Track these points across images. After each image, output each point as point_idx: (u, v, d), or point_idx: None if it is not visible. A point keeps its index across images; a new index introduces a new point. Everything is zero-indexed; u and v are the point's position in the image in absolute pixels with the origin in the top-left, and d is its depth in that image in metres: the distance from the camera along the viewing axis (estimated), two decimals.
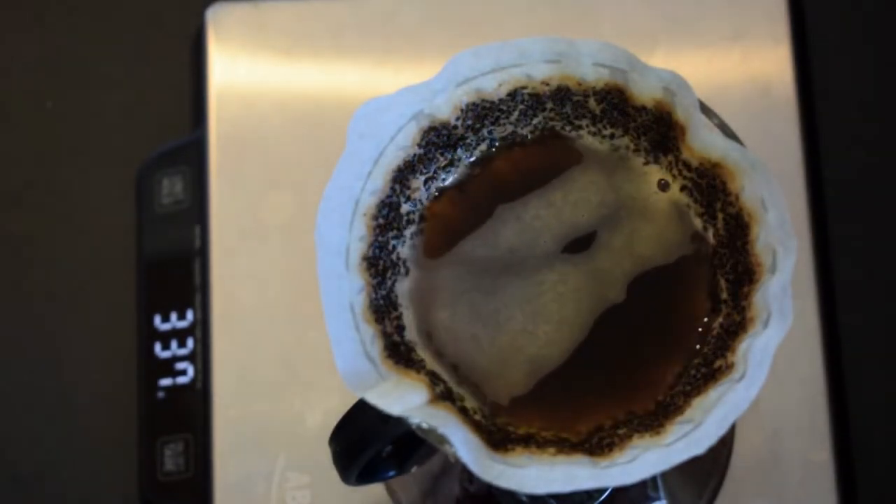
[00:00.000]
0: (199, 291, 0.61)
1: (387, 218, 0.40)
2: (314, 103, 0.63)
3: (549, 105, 0.42)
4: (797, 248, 0.37)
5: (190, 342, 0.60)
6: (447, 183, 0.42)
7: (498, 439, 0.38)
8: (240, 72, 0.63)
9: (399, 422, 0.36)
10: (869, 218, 0.63)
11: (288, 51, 0.64)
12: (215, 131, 0.63)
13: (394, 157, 0.41)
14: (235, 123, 0.63)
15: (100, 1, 0.70)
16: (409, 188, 0.41)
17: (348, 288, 0.39)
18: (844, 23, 0.67)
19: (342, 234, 0.39)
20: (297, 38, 0.64)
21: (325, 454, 0.40)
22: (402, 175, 0.41)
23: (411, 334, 0.40)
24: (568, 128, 0.42)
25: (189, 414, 0.60)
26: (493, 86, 0.41)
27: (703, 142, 0.40)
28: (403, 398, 0.37)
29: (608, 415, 0.38)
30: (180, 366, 0.60)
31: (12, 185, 0.67)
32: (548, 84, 0.41)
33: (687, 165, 0.40)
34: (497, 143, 0.42)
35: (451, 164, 0.42)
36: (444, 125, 0.41)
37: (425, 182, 0.41)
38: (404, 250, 0.41)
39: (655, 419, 0.38)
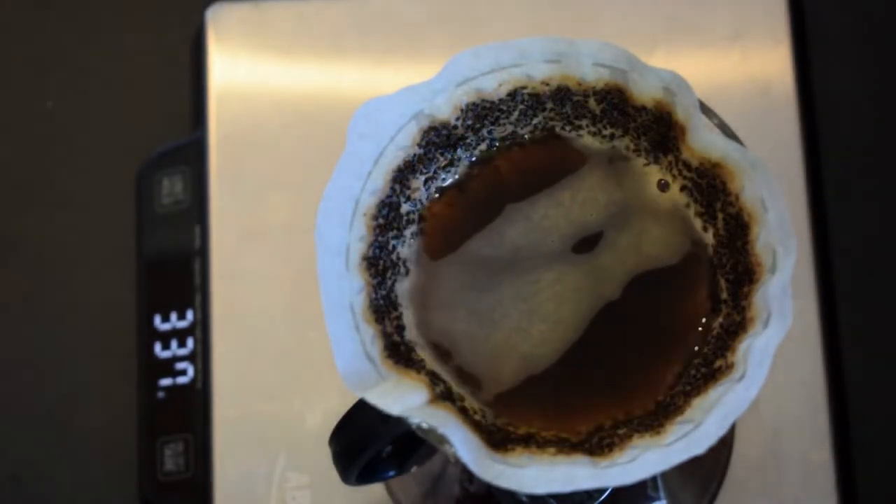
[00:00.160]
0: (199, 291, 0.61)
1: (387, 218, 0.40)
2: (314, 103, 0.63)
3: (549, 105, 0.42)
4: (797, 248, 0.37)
5: (190, 342, 0.61)
6: (447, 183, 0.42)
7: (498, 439, 0.38)
8: (240, 72, 0.63)
9: (399, 422, 0.36)
10: (869, 218, 0.63)
11: (288, 51, 0.64)
12: (215, 131, 0.63)
13: (394, 157, 0.41)
14: (235, 123, 0.63)
15: (100, 1, 0.70)
16: (409, 188, 0.41)
17: (348, 288, 0.39)
18: (844, 23, 0.67)
19: (342, 234, 0.39)
20: (297, 38, 0.64)
21: (325, 454, 0.40)
22: (402, 175, 0.41)
23: (411, 334, 0.40)
24: (568, 128, 0.42)
25: (189, 414, 0.60)
26: (493, 86, 0.41)
27: (704, 142, 0.40)
28: (403, 398, 0.37)
29: (608, 415, 0.38)
30: (180, 366, 0.60)
31: (12, 185, 0.67)
32: (548, 84, 0.41)
33: (687, 165, 0.40)
34: (497, 143, 0.42)
35: (451, 164, 0.42)
36: (444, 125, 0.41)
37: (425, 182, 0.41)
38: (404, 250, 0.41)
39: (655, 419, 0.38)
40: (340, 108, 0.57)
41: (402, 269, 0.40)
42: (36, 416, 0.63)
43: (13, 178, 0.67)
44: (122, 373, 0.62)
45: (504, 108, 0.42)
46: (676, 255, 0.40)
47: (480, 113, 0.41)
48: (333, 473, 0.40)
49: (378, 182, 0.40)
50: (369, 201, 0.40)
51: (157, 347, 0.61)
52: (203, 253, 0.61)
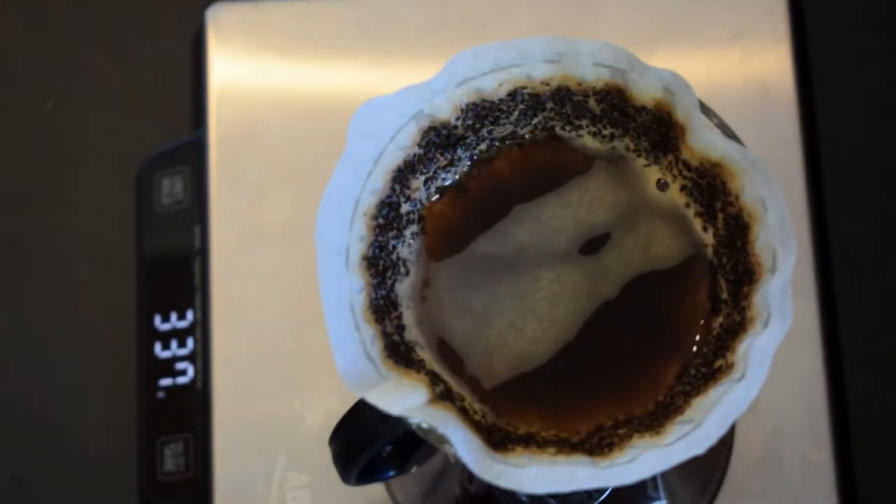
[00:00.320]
0: (199, 291, 0.61)
1: (387, 218, 0.40)
2: (314, 103, 0.63)
3: (549, 105, 0.42)
4: (797, 248, 0.37)
5: (190, 342, 0.61)
6: (447, 183, 0.42)
7: (498, 439, 0.38)
8: (240, 72, 0.63)
9: (399, 422, 0.36)
10: (869, 218, 0.63)
11: (288, 51, 0.64)
12: (215, 131, 0.63)
13: (394, 157, 0.41)
14: (235, 123, 0.63)
15: (100, 1, 0.70)
16: (409, 188, 0.41)
17: (348, 288, 0.39)
18: (844, 23, 0.67)
19: (342, 234, 0.39)
20: (297, 38, 0.64)
21: (325, 454, 0.40)
22: (402, 175, 0.41)
23: (411, 334, 0.40)
24: (568, 128, 0.42)
25: (189, 414, 0.60)
26: (493, 86, 0.41)
27: (704, 142, 0.40)
28: (403, 398, 0.37)
29: (608, 415, 0.38)
30: (180, 366, 0.60)
31: (12, 185, 0.67)
32: (548, 84, 0.41)
33: (687, 165, 0.40)
34: (497, 143, 0.42)
35: (451, 164, 0.42)
36: (444, 125, 0.41)
37: (425, 182, 0.41)
38: (404, 250, 0.41)
39: (655, 419, 0.38)
40: (340, 108, 0.57)
41: (402, 269, 0.40)
42: (36, 416, 0.63)
43: (13, 178, 0.67)
44: (122, 373, 0.62)
45: (504, 108, 0.42)
46: (679, 255, 0.40)
47: (480, 113, 0.41)
48: (333, 473, 0.40)
49: (378, 182, 0.40)
50: (369, 201, 0.40)
51: (157, 347, 0.61)
52: (203, 253, 0.61)
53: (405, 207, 0.41)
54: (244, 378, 0.59)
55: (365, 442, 0.38)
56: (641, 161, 0.41)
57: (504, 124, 0.42)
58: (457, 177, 0.42)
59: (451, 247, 0.41)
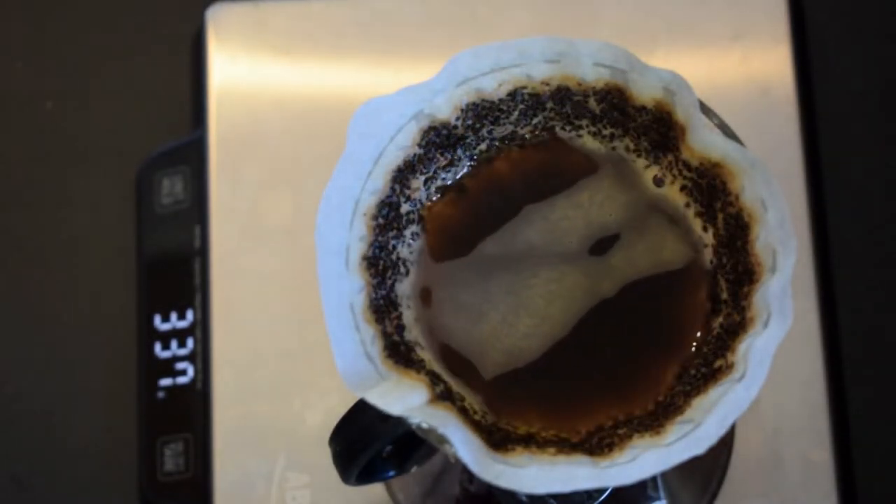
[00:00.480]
0: (199, 291, 0.61)
1: (387, 218, 0.40)
2: (314, 103, 0.63)
3: (550, 105, 0.42)
4: (797, 248, 0.37)
5: (190, 342, 0.61)
6: (447, 183, 0.42)
7: (498, 439, 0.38)
8: (240, 72, 0.63)
9: (399, 422, 0.36)
10: (869, 218, 0.63)
11: (288, 51, 0.64)
12: (215, 131, 0.63)
13: (394, 157, 0.41)
14: (235, 123, 0.63)
15: (100, 1, 0.70)
16: (409, 188, 0.41)
17: (348, 288, 0.39)
18: (844, 23, 0.67)
19: (342, 234, 0.39)
20: (297, 38, 0.64)
21: (325, 454, 0.40)
22: (402, 175, 0.41)
23: (411, 334, 0.40)
24: (568, 128, 0.42)
25: (189, 414, 0.60)
26: (493, 86, 0.41)
27: (704, 142, 0.40)
28: (403, 398, 0.37)
29: (608, 415, 0.38)
30: (180, 366, 0.60)
31: (12, 185, 0.67)
32: (548, 84, 0.41)
33: (687, 165, 0.40)
34: (497, 143, 0.42)
35: (451, 164, 0.42)
36: (444, 125, 0.41)
37: (425, 182, 0.41)
38: (404, 250, 0.41)
39: (655, 419, 0.38)
40: (340, 108, 0.57)
41: (402, 269, 0.40)
42: (36, 416, 0.63)
43: (13, 178, 0.67)
44: (122, 373, 0.62)
45: (504, 107, 0.42)
46: (683, 257, 0.40)
47: (480, 113, 0.41)
48: (333, 473, 0.40)
49: (378, 182, 0.40)
50: (369, 201, 0.40)
51: (157, 347, 0.61)
52: (203, 253, 0.61)
53: (405, 207, 0.41)
54: (244, 378, 0.59)
55: (365, 442, 0.38)
56: (642, 161, 0.41)
57: (504, 124, 0.42)
58: (457, 177, 0.42)
59: (452, 247, 0.41)
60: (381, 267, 0.40)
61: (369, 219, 0.40)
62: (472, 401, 0.39)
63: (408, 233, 0.41)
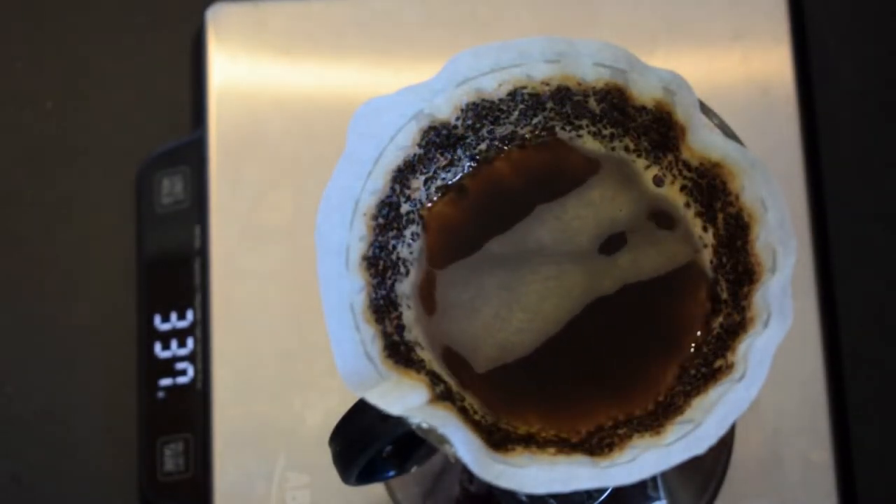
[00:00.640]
0: (199, 291, 0.61)
1: (387, 218, 0.40)
2: (314, 103, 0.63)
3: (550, 105, 0.42)
4: (797, 248, 0.37)
5: (190, 342, 0.61)
6: (447, 183, 0.42)
7: (498, 439, 0.38)
8: (240, 72, 0.63)
9: (399, 422, 0.36)
10: (869, 218, 0.63)
11: (288, 51, 0.64)
12: (215, 131, 0.63)
13: (394, 157, 0.41)
14: (235, 123, 0.63)
15: (100, 1, 0.70)
16: (409, 188, 0.41)
17: (348, 288, 0.39)
18: (844, 23, 0.67)
19: (342, 234, 0.39)
20: (297, 38, 0.64)
21: (325, 454, 0.40)
22: (402, 175, 0.41)
23: (411, 334, 0.40)
24: (568, 128, 0.42)
25: (189, 414, 0.60)
26: (493, 86, 0.41)
27: (704, 142, 0.40)
28: (403, 398, 0.37)
29: (608, 415, 0.38)
30: (180, 366, 0.60)
31: (12, 185, 0.67)
32: (548, 84, 0.41)
33: (687, 165, 0.40)
34: (497, 143, 0.42)
35: (451, 164, 0.42)
36: (444, 125, 0.41)
37: (425, 182, 0.41)
38: (404, 250, 0.41)
39: (655, 419, 0.38)
40: (340, 108, 0.57)
41: (402, 269, 0.40)
42: (36, 416, 0.63)
43: (13, 179, 0.67)
44: (122, 373, 0.62)
45: (504, 107, 0.42)
46: (681, 256, 0.40)
47: (480, 113, 0.41)
48: (333, 473, 0.40)
49: (378, 182, 0.40)
50: (369, 201, 0.40)
51: (157, 347, 0.61)
52: (203, 253, 0.61)
53: (405, 207, 0.41)
54: (244, 378, 0.59)
55: (365, 442, 0.38)
56: (642, 161, 0.41)
57: (504, 124, 0.42)
58: (457, 177, 0.42)
59: (452, 246, 0.41)
60: (381, 267, 0.40)
61: (369, 219, 0.40)
62: (472, 401, 0.39)
63: (408, 233, 0.41)
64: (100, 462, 0.62)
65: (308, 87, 0.63)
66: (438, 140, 0.41)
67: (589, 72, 0.41)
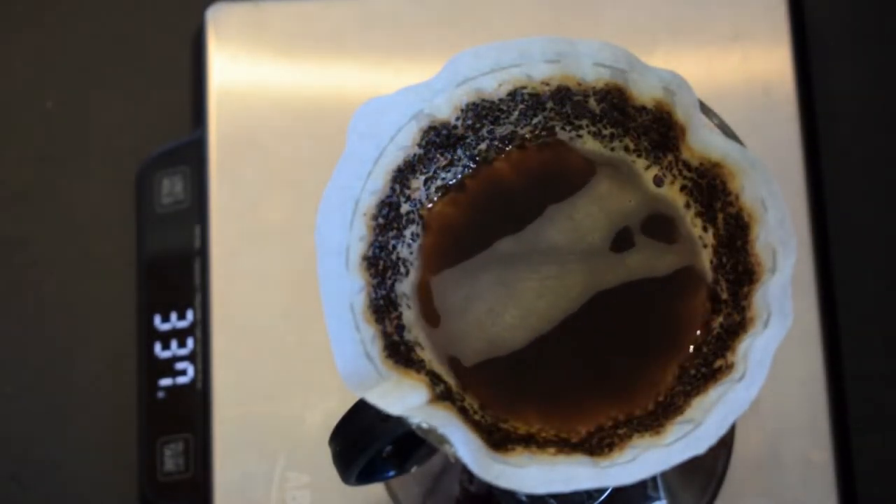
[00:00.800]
0: (199, 291, 0.61)
1: (387, 218, 0.40)
2: (314, 103, 0.63)
3: (550, 105, 0.42)
4: (797, 248, 0.37)
5: (190, 342, 0.60)
6: (447, 183, 0.42)
7: (498, 439, 0.38)
8: (240, 72, 0.63)
9: (399, 422, 0.36)
10: (869, 218, 0.63)
11: (288, 51, 0.64)
12: (215, 131, 0.62)
13: (394, 157, 0.41)
14: (235, 123, 0.63)
15: (100, 1, 0.70)
16: (409, 188, 0.41)
17: (348, 288, 0.39)
18: (844, 23, 0.67)
19: (342, 234, 0.39)
20: (297, 38, 0.64)
21: (325, 454, 0.40)
22: (402, 175, 0.41)
23: (411, 334, 0.40)
24: (568, 128, 0.42)
25: (189, 414, 0.60)
26: (493, 86, 0.41)
27: (704, 142, 0.40)
28: (403, 398, 0.37)
29: (608, 415, 0.38)
30: (180, 366, 0.60)
31: (12, 185, 0.67)
32: (548, 84, 0.41)
33: (687, 165, 0.40)
34: (497, 143, 0.42)
35: (451, 163, 0.42)
36: (444, 125, 0.41)
37: (425, 182, 0.41)
38: (404, 250, 0.41)
39: (655, 419, 0.38)
40: (340, 108, 0.57)
41: (402, 269, 0.40)
42: (36, 416, 0.63)
43: (14, 179, 0.67)
44: (122, 373, 0.62)
45: (504, 107, 0.42)
46: (681, 256, 0.40)
47: (480, 113, 0.41)
48: (333, 473, 0.40)
49: (378, 182, 0.40)
50: (369, 201, 0.40)
51: (157, 347, 0.61)
52: (203, 253, 0.61)
53: (405, 207, 0.41)
54: (244, 378, 0.59)
55: (365, 442, 0.38)
56: (642, 161, 0.41)
57: (504, 124, 0.42)
58: (457, 177, 0.42)
59: (452, 246, 0.41)
60: (381, 267, 0.40)
61: (369, 219, 0.40)
62: (472, 401, 0.39)
63: (408, 233, 0.41)
64: (100, 462, 0.62)
65: (308, 87, 0.63)
66: (438, 140, 0.41)
67: (589, 72, 0.41)
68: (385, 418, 0.37)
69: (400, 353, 0.39)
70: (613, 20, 0.63)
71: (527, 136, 0.42)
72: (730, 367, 0.37)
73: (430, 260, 0.41)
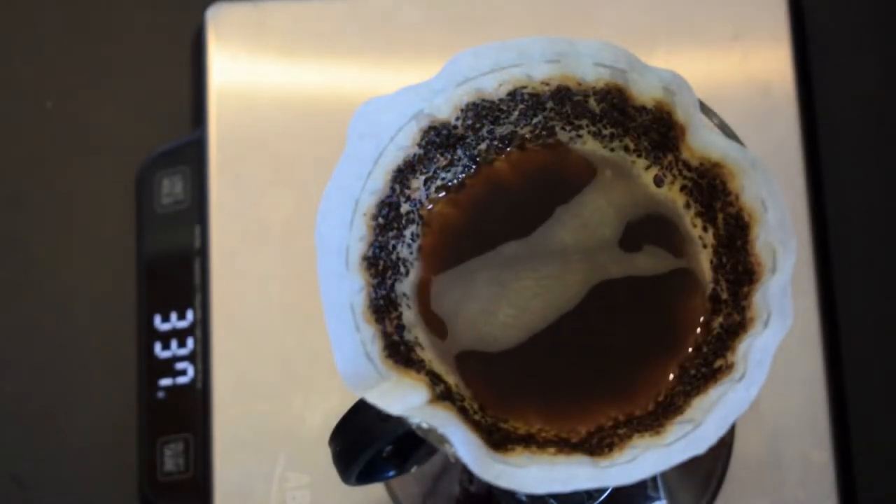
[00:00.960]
0: (199, 291, 0.61)
1: (387, 218, 0.40)
2: (314, 103, 0.63)
3: (549, 105, 0.42)
4: (797, 248, 0.37)
5: (190, 342, 0.60)
6: (447, 183, 0.42)
7: (498, 439, 0.38)
8: (240, 72, 0.63)
9: (399, 422, 0.36)
10: (869, 218, 0.63)
11: (288, 51, 0.64)
12: (215, 131, 0.63)
13: (394, 157, 0.41)
14: (235, 123, 0.63)
15: (100, 1, 0.70)
16: (409, 188, 0.41)
17: (348, 288, 0.39)
18: (844, 23, 0.67)
19: (342, 234, 0.39)
20: (297, 38, 0.64)
21: (325, 454, 0.40)
22: (402, 175, 0.41)
23: (411, 334, 0.40)
24: (568, 128, 0.42)
25: (189, 414, 0.60)
26: (493, 86, 0.41)
27: (704, 142, 0.40)
28: (403, 398, 0.37)
29: (608, 415, 0.38)
30: (180, 366, 0.60)
31: (12, 185, 0.67)
32: (548, 84, 0.41)
33: (687, 165, 0.40)
34: (497, 143, 0.42)
35: (451, 163, 0.42)
36: (444, 125, 0.41)
37: (425, 182, 0.41)
38: (404, 250, 0.41)
39: (655, 419, 0.38)
40: (340, 108, 0.57)
41: (402, 269, 0.40)
42: (36, 416, 0.63)
43: (13, 178, 0.67)
44: (122, 373, 0.62)
45: (504, 107, 0.42)
46: (681, 256, 0.40)
47: (480, 113, 0.41)
48: (333, 473, 0.40)
49: (378, 182, 0.40)
50: (369, 201, 0.40)
51: (157, 347, 0.61)
52: (203, 253, 0.61)
53: (405, 207, 0.41)
54: (244, 378, 0.59)
55: (365, 442, 0.38)
56: (642, 161, 0.41)
57: (504, 124, 0.42)
58: (457, 177, 0.42)
59: (451, 246, 0.41)
60: (381, 267, 0.40)
61: (369, 219, 0.40)
62: (472, 401, 0.39)
63: (408, 233, 0.41)
64: (100, 462, 0.62)
65: (308, 87, 0.63)
66: (438, 140, 0.41)
67: (589, 72, 0.41)
68: (385, 418, 0.37)
69: (400, 352, 0.39)
70: (613, 20, 0.63)
71: (527, 136, 0.42)
72: (730, 367, 0.37)
73: (430, 260, 0.41)
